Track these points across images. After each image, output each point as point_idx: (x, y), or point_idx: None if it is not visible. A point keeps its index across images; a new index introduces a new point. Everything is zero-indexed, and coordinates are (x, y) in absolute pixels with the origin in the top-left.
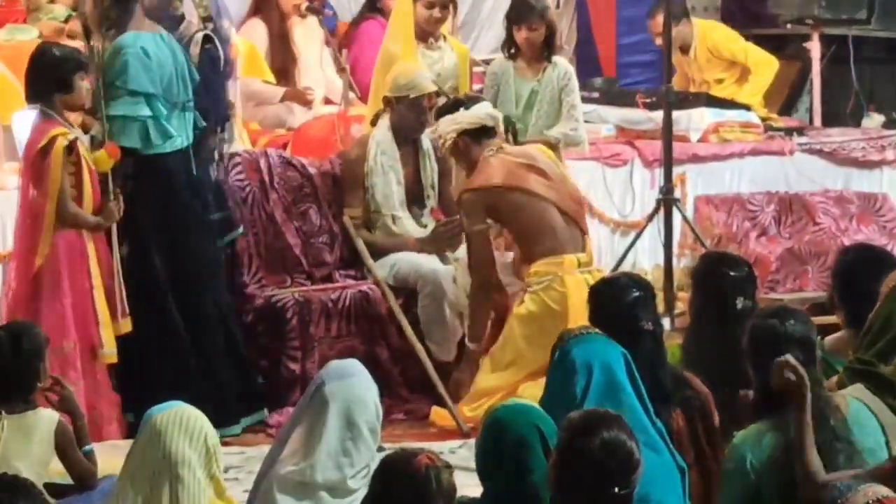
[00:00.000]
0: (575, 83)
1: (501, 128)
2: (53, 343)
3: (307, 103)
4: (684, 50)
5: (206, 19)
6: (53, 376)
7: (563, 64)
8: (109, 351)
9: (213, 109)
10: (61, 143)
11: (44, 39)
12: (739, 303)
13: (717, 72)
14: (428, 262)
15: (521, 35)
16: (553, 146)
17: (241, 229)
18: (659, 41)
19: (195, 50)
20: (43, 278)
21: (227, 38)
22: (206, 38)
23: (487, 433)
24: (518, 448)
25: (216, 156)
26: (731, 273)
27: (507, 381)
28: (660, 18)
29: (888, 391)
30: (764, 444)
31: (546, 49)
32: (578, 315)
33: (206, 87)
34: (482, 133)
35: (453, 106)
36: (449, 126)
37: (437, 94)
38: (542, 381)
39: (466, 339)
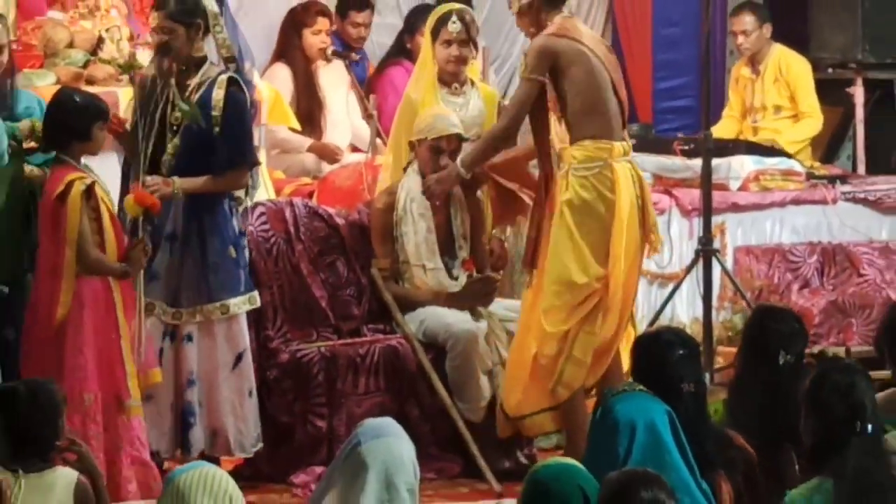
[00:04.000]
0: None
1: None
2: (74, 395)
3: (333, 161)
4: (754, 63)
5: (228, 60)
6: (69, 436)
7: None
8: (136, 402)
9: (236, 154)
10: (78, 187)
11: (62, 85)
12: (781, 358)
13: (779, 98)
14: (458, 321)
15: None
16: None
17: None
18: (740, 39)
19: (219, 92)
20: (66, 329)
21: (250, 80)
22: (231, 80)
23: (529, 494)
24: None
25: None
26: (776, 327)
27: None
28: (743, 16)
29: None
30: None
31: None
32: (626, 205)
33: (230, 130)
34: (559, 2)
35: None
36: None
37: (460, 138)
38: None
39: (458, 162)
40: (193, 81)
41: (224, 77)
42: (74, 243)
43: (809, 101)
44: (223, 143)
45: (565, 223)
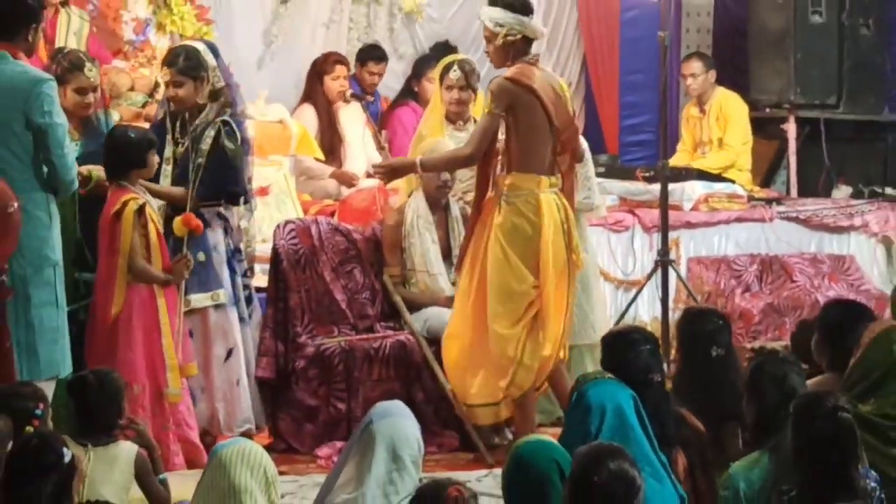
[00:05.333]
0: (589, 156)
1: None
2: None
3: (351, 186)
4: (701, 104)
5: (225, 105)
6: (129, 416)
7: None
8: (174, 391)
9: (225, 186)
10: (132, 206)
11: (122, 123)
12: (714, 352)
13: (720, 133)
14: None
15: None
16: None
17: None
18: (689, 81)
19: (211, 133)
20: (119, 328)
21: (242, 122)
22: (224, 123)
23: (512, 467)
24: (540, 481)
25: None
26: (701, 327)
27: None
28: (692, 62)
29: (867, 429)
30: (754, 475)
31: None
32: (549, 228)
33: (218, 166)
34: (530, 44)
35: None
36: (522, 23)
37: None
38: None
39: (419, 161)
40: (196, 122)
41: (219, 120)
42: (126, 254)
43: (732, 135)
44: (204, 174)
45: (499, 243)
